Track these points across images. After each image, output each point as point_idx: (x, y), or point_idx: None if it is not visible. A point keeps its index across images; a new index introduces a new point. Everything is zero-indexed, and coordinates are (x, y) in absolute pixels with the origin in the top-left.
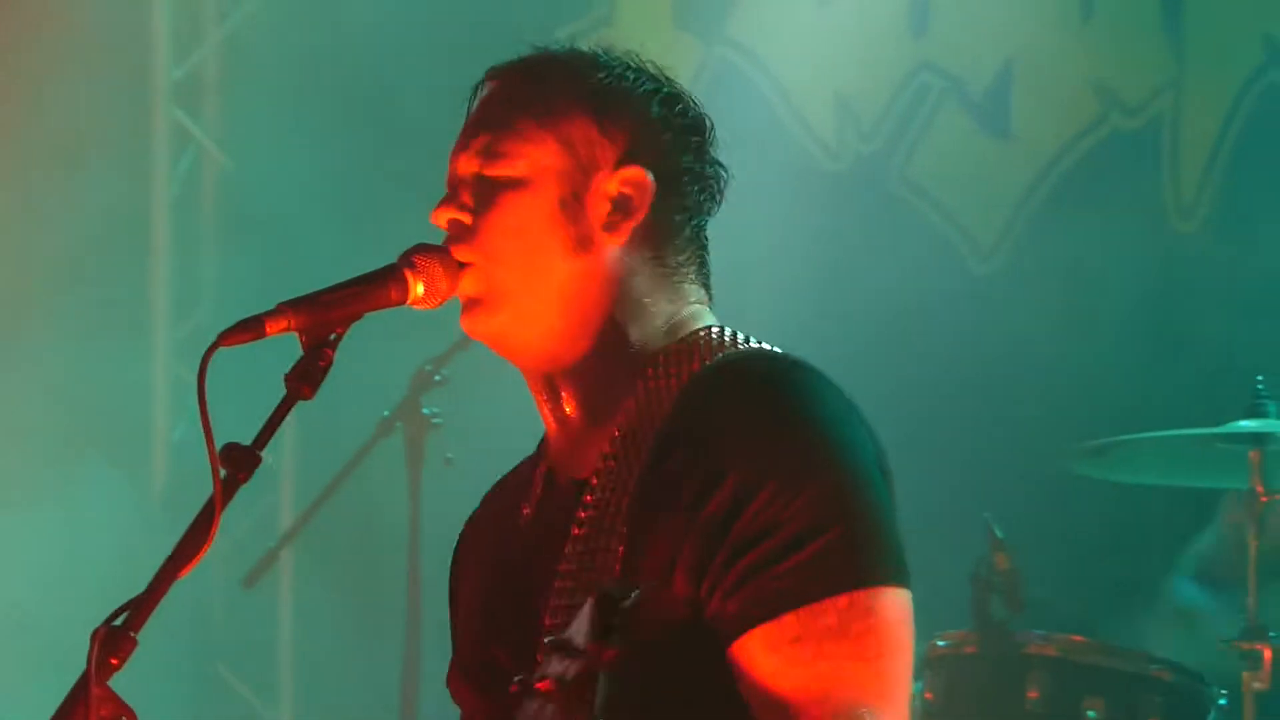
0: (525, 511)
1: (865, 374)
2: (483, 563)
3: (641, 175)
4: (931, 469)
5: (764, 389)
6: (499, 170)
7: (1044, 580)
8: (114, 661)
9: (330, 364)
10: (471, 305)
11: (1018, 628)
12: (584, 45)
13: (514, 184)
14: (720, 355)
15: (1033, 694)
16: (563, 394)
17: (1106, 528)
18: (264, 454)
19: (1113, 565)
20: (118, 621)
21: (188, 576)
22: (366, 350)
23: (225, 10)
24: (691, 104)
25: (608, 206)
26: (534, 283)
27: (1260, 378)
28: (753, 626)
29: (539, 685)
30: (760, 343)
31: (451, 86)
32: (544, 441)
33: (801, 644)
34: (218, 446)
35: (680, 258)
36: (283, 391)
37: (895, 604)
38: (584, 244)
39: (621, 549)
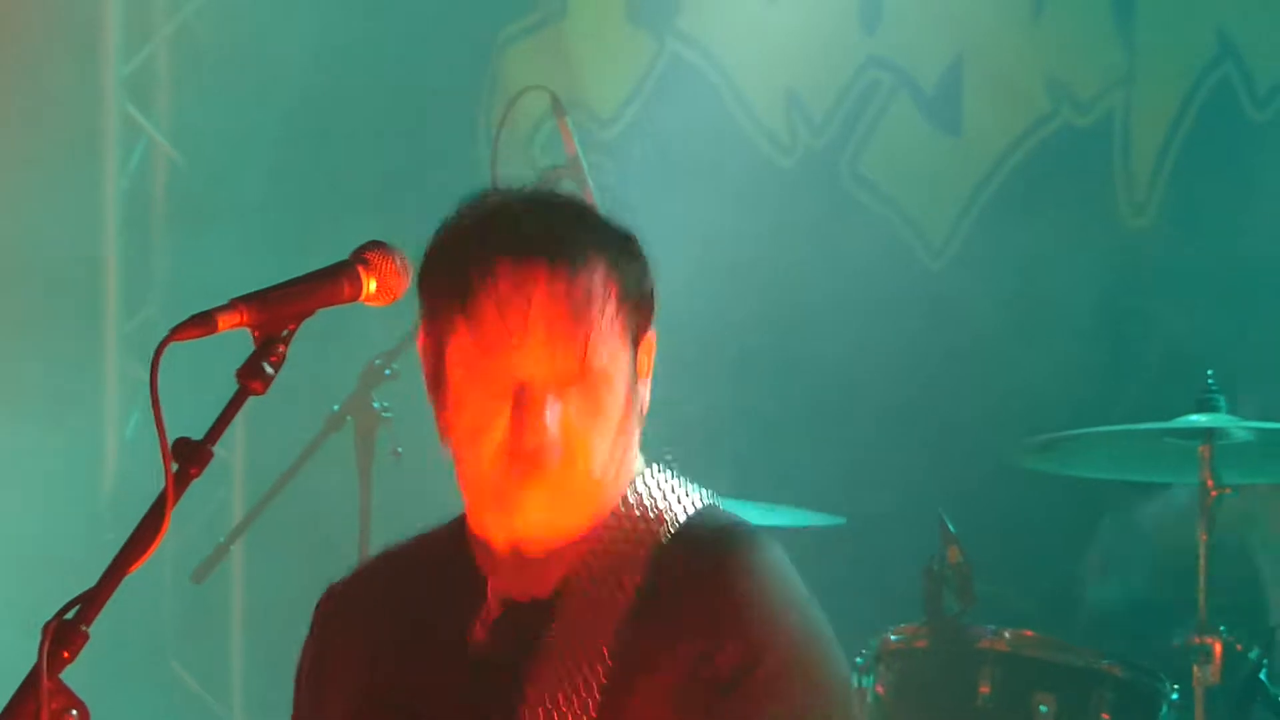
0: (478, 629)
1: (816, 370)
2: (374, 668)
3: (653, 341)
4: (883, 463)
5: (744, 571)
6: (593, 377)
7: (996, 575)
8: (65, 655)
9: (282, 360)
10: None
11: (969, 622)
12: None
13: (609, 389)
14: (684, 516)
15: (984, 688)
16: (539, 538)
17: (1058, 522)
18: (215, 449)
19: (1064, 560)
20: (69, 615)
21: (139, 571)
22: (317, 345)
23: (175, 4)
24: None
25: (641, 377)
26: (601, 468)
27: (1210, 372)
28: None
29: None
30: (687, 486)
31: (400, 81)
32: (480, 555)
33: None
34: (170, 441)
35: None
36: (235, 387)
37: None
38: (637, 421)
39: (601, 669)
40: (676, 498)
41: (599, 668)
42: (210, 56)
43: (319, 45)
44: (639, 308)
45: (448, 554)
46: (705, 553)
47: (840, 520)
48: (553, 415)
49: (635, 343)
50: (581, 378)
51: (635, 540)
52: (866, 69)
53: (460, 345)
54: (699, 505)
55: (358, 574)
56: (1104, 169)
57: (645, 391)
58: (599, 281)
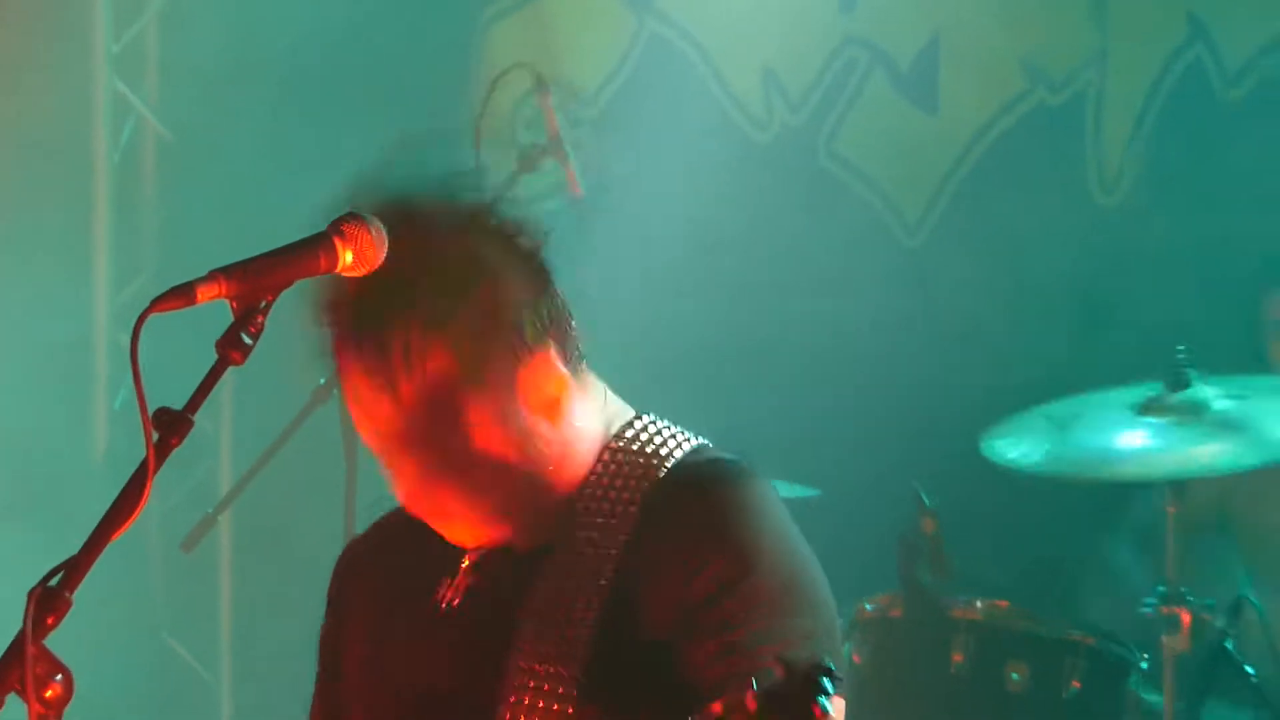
0: (452, 599)
1: (792, 345)
2: (384, 620)
3: (548, 357)
4: (861, 436)
5: (729, 497)
6: (435, 436)
7: (969, 546)
8: (50, 620)
9: (261, 330)
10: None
11: (943, 592)
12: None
13: (453, 448)
14: (679, 458)
15: (958, 657)
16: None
17: (1032, 494)
18: (203, 421)
19: (1038, 532)
20: (53, 582)
21: (129, 541)
22: (301, 316)
23: None
24: (536, 231)
25: (531, 400)
26: (505, 503)
27: (1181, 347)
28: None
29: None
30: (690, 435)
31: (385, 58)
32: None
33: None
34: (150, 411)
35: (575, 364)
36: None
37: (839, 711)
38: (522, 438)
39: (592, 616)
40: (671, 439)
41: (590, 611)
42: (198, 35)
43: (305, 25)
44: (487, 350)
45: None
46: (695, 484)
47: (815, 492)
48: (399, 476)
49: (494, 379)
50: (408, 439)
51: (631, 482)
52: (843, 47)
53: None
54: (692, 444)
55: (367, 533)
56: (1076, 147)
57: (545, 401)
58: (401, 349)
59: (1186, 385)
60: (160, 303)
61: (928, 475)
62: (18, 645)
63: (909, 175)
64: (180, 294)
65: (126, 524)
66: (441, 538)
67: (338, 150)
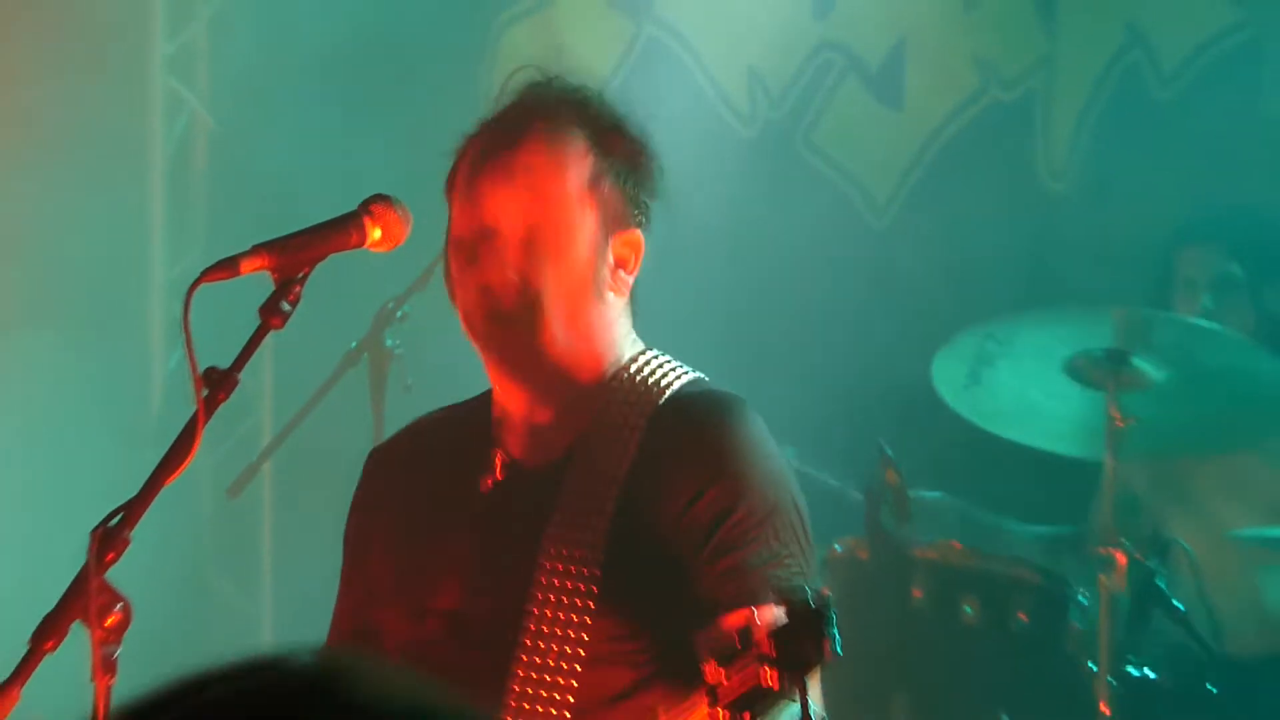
0: (484, 488)
1: (770, 317)
2: (413, 518)
3: (639, 239)
4: (834, 396)
5: (728, 427)
6: (545, 229)
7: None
8: (110, 557)
9: (298, 299)
10: (503, 331)
11: (905, 535)
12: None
13: (560, 245)
14: (679, 386)
15: (917, 593)
16: (537, 401)
17: (985, 448)
18: (247, 379)
19: (989, 480)
20: (113, 523)
21: (180, 486)
22: (336, 289)
23: None
24: (655, 152)
25: (615, 264)
26: (556, 328)
27: (1117, 314)
28: (729, 613)
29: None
30: (689, 369)
31: (412, 60)
32: (495, 424)
33: None
34: (200, 370)
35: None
36: (256, 323)
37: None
38: (601, 296)
39: (606, 527)
40: (672, 371)
41: (604, 520)
42: (243, 39)
43: (338, 30)
44: (609, 199)
45: (470, 422)
46: (694, 415)
47: (792, 450)
48: (501, 261)
49: (607, 229)
50: (528, 237)
51: (635, 407)
52: (819, 51)
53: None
54: (689, 377)
55: (396, 438)
56: (1027, 139)
57: (622, 278)
58: (573, 154)
59: (1120, 351)
60: (208, 274)
61: (892, 432)
62: (82, 579)
63: (877, 163)
64: (226, 266)
65: (178, 471)
66: (478, 440)
67: (366, 140)
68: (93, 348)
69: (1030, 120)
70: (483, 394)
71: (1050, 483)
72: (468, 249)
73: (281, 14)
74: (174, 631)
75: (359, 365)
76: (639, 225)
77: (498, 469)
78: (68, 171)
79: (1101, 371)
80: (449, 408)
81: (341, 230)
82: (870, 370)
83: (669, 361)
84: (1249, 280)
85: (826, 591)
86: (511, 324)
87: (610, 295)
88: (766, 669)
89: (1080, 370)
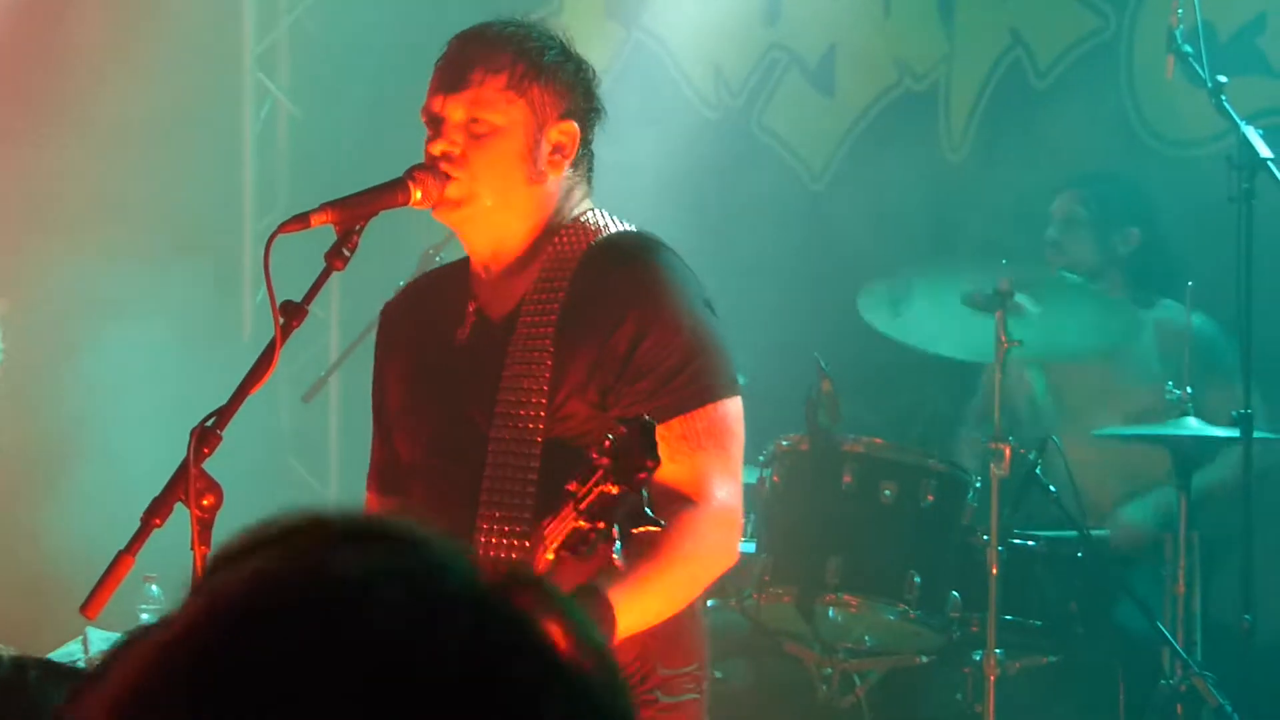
0: (461, 334)
1: (727, 264)
2: (412, 361)
3: (574, 128)
4: (779, 327)
5: (643, 261)
6: (484, 121)
7: (858, 399)
8: (206, 451)
9: (356, 247)
10: (451, 204)
11: (837, 432)
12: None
13: (494, 130)
14: (605, 234)
15: (847, 479)
16: (495, 259)
17: (902, 363)
18: (315, 310)
19: (908, 390)
20: (209, 423)
21: (265, 393)
22: (389, 238)
23: (293, 2)
24: (588, 66)
25: (551, 149)
26: (501, 198)
27: (1005, 261)
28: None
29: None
30: (625, 223)
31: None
32: (471, 280)
33: (685, 439)
34: (279, 303)
35: (583, 170)
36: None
37: (737, 408)
38: (537, 176)
39: (549, 362)
40: (609, 222)
41: (548, 355)
42: (319, 40)
43: (388, 35)
44: (538, 96)
45: (455, 282)
46: (614, 254)
47: (744, 379)
48: (448, 139)
49: (542, 117)
50: (472, 117)
51: (571, 251)
52: (769, 51)
53: None
54: (622, 227)
55: (402, 293)
56: (932, 121)
57: (558, 161)
58: (517, 63)
59: (1005, 291)
60: (285, 226)
61: (828, 349)
62: (183, 468)
63: (815, 140)
64: (298, 220)
65: (261, 381)
66: (459, 295)
67: (409, 123)
68: (201, 285)
69: (935, 105)
70: (463, 258)
71: (946, 385)
72: (429, 124)
73: (349, 21)
74: (257, 509)
75: None
76: (574, 118)
77: (468, 320)
78: (180, 148)
79: (991, 303)
80: (448, 264)
81: (390, 192)
82: (810, 305)
83: (606, 215)
84: (1091, 221)
85: (776, 479)
86: (456, 185)
87: (550, 175)
88: (610, 480)
89: (975, 302)
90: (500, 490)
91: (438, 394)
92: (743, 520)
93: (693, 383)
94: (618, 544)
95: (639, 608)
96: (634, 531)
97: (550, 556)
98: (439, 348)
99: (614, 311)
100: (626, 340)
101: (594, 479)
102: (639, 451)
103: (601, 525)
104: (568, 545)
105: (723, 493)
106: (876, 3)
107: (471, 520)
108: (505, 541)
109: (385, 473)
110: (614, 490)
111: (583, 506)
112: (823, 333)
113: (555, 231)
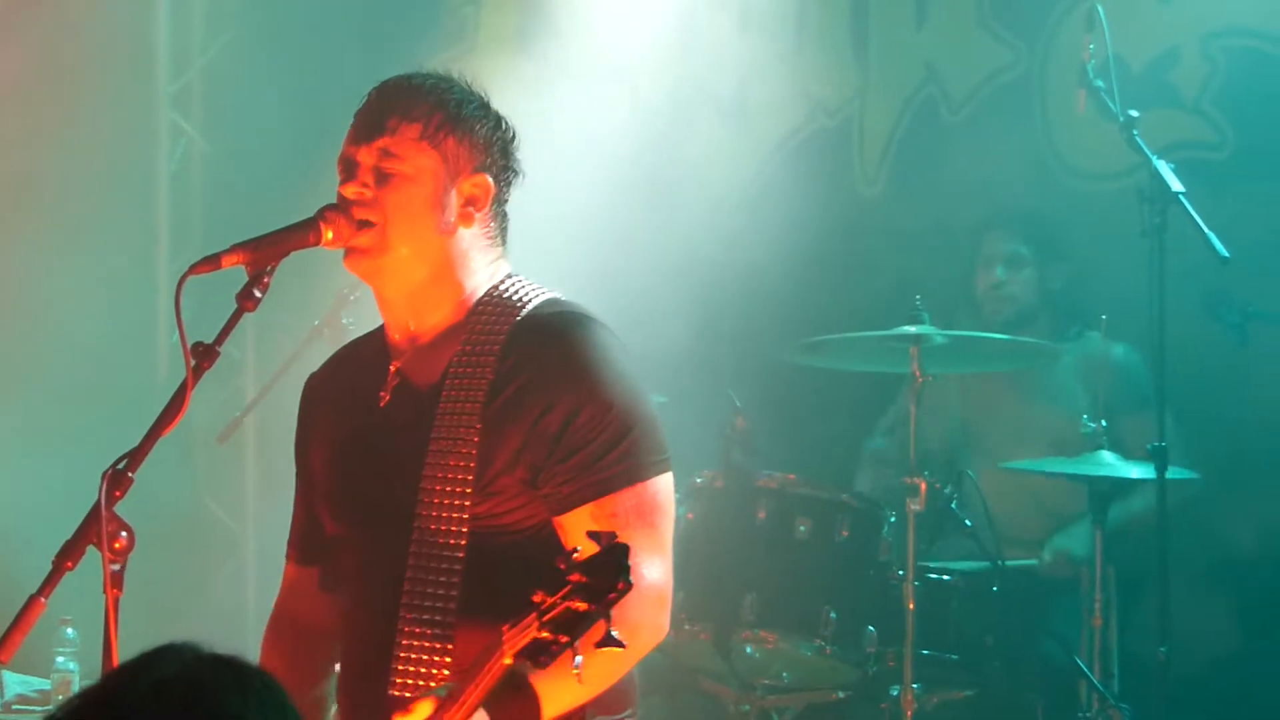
0: (384, 396)
1: (645, 296)
2: (335, 428)
3: (487, 181)
4: (696, 361)
5: (571, 339)
6: (396, 167)
7: (773, 436)
8: (118, 494)
9: (267, 287)
10: (361, 252)
11: (752, 469)
12: (450, 69)
13: (403, 177)
14: (533, 306)
15: (761, 515)
16: (414, 322)
17: (819, 400)
18: (231, 349)
19: (822, 425)
20: (121, 465)
21: (178, 435)
22: (303, 279)
23: (206, 43)
24: (508, 125)
25: (463, 202)
26: (412, 247)
27: (918, 296)
28: (582, 504)
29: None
30: (546, 289)
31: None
32: (390, 347)
33: (614, 518)
34: (190, 344)
35: (496, 227)
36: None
37: (668, 484)
38: (447, 227)
39: (477, 440)
40: (530, 291)
41: (474, 433)
42: (233, 80)
43: (303, 75)
44: (459, 150)
45: (374, 347)
46: (543, 331)
47: (663, 398)
48: (361, 182)
49: (455, 169)
50: (384, 164)
51: (495, 326)
52: (680, 86)
53: None
54: (546, 297)
55: (323, 366)
56: (846, 155)
57: (470, 214)
58: (433, 114)
59: (920, 322)
60: (195, 267)
61: (743, 385)
62: (95, 511)
63: (732, 172)
64: (209, 262)
65: (173, 423)
66: (379, 360)
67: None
68: (113, 328)
69: (849, 139)
70: (380, 326)
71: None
72: (343, 169)
73: (264, 61)
74: (174, 551)
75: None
76: (488, 171)
77: (389, 387)
78: (92, 185)
79: (905, 348)
80: (363, 336)
81: (302, 232)
82: (727, 335)
83: (529, 284)
84: (1034, 258)
85: (690, 516)
86: (369, 231)
87: (460, 228)
88: (579, 598)
89: (889, 344)
90: (425, 567)
91: (360, 463)
92: (671, 596)
93: (622, 460)
94: (578, 658)
95: (565, 695)
96: (597, 650)
97: (508, 661)
98: (362, 411)
99: (546, 393)
100: (558, 422)
101: (562, 593)
102: (612, 573)
103: (564, 639)
104: (527, 653)
105: (652, 572)
106: (789, 38)
107: (395, 596)
108: (428, 617)
109: (305, 540)
110: (582, 608)
111: (547, 619)
112: (741, 366)
113: (478, 298)
